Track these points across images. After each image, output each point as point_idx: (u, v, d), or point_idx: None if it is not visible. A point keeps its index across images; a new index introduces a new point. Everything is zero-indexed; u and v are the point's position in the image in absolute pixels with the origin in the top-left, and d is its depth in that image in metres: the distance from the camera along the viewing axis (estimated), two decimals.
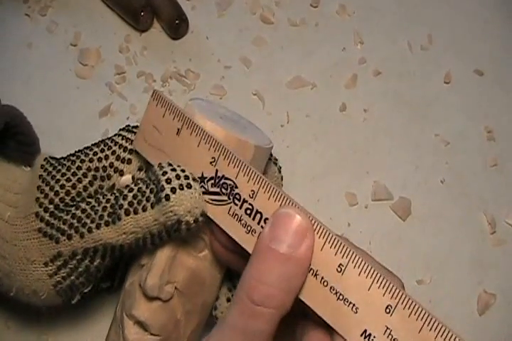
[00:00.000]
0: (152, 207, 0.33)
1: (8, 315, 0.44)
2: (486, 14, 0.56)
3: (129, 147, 0.37)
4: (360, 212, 0.48)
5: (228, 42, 0.54)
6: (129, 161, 0.37)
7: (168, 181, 0.32)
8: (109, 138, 0.38)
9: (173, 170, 0.33)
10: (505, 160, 0.50)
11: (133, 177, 0.37)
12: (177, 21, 0.53)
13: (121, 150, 0.37)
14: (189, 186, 0.32)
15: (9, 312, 0.44)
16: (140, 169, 0.37)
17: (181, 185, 0.32)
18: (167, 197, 0.32)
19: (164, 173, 0.32)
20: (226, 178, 0.32)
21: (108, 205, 0.34)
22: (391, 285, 0.26)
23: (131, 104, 0.52)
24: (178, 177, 0.32)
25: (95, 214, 0.34)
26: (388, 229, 0.48)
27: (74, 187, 0.36)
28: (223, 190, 0.32)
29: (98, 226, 0.34)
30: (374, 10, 0.56)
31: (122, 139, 0.37)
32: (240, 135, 0.34)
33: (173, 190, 0.32)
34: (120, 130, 0.38)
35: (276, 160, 0.40)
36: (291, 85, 0.53)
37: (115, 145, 0.37)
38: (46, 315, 0.43)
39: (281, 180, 0.42)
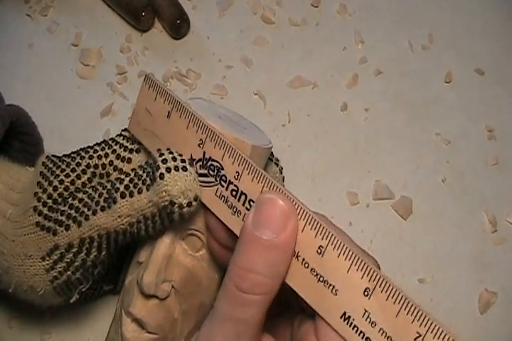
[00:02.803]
0: (147, 189, 0.33)
1: (10, 314, 0.44)
2: (486, 14, 0.56)
3: (130, 147, 0.37)
4: (361, 211, 0.48)
5: (229, 42, 0.55)
6: (129, 160, 0.37)
7: (164, 161, 0.33)
8: (110, 139, 0.38)
9: (171, 153, 0.33)
10: (506, 159, 0.50)
11: None
12: (178, 21, 0.53)
13: (122, 149, 0.37)
14: (185, 169, 0.32)
15: (12, 312, 0.44)
16: None
17: (177, 166, 0.32)
18: (161, 176, 0.32)
19: (161, 155, 0.33)
20: (213, 160, 0.32)
21: (104, 191, 0.34)
22: (369, 268, 0.26)
23: (132, 104, 0.51)
24: (174, 159, 0.33)
25: (92, 201, 0.34)
26: (389, 228, 0.48)
27: (73, 183, 0.36)
28: (211, 172, 0.32)
29: (94, 212, 0.34)
30: (375, 9, 0.56)
31: (123, 139, 0.38)
32: (237, 134, 0.34)
33: (168, 170, 0.32)
34: (122, 130, 0.39)
35: (278, 160, 0.40)
36: (293, 85, 0.53)
37: (116, 144, 0.37)
38: (48, 315, 0.43)
39: (283, 180, 0.42)
